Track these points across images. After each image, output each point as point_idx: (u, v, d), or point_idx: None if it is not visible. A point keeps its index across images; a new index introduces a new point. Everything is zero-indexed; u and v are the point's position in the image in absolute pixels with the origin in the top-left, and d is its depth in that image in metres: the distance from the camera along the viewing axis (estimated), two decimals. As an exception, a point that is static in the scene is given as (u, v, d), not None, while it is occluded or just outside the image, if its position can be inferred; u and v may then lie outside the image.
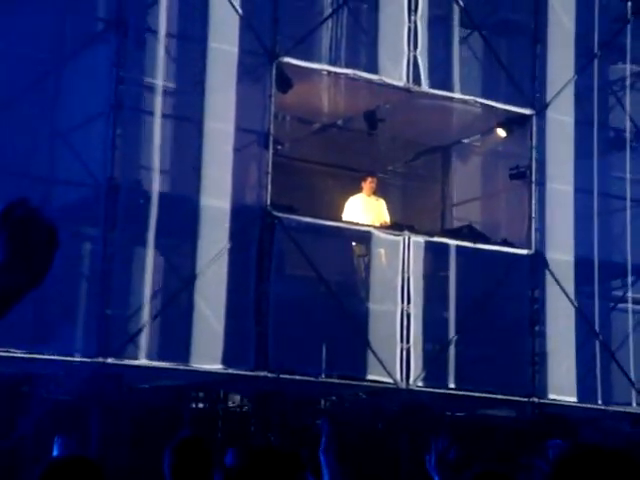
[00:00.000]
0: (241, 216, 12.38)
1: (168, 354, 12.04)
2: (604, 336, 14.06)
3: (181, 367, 11.88)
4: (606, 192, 14.56)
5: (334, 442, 5.52)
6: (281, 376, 12.05)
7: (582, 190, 14.18)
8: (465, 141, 15.18)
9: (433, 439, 5.12)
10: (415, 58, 13.35)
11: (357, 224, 13.64)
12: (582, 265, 14.03)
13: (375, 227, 13.69)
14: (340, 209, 13.97)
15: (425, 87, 13.43)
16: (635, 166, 14.73)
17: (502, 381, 13.28)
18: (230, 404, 13.62)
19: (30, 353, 11.28)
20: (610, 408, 13.77)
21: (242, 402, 13.45)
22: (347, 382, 12.64)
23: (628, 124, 14.71)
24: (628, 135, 14.69)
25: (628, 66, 14.85)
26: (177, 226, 12.40)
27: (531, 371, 13.47)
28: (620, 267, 14.46)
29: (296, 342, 12.32)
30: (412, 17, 13.36)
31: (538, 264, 13.76)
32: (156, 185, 12.55)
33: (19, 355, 11.23)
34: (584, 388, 13.94)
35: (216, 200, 12.48)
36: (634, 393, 14.01)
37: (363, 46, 13.84)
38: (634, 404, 14.01)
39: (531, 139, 14.01)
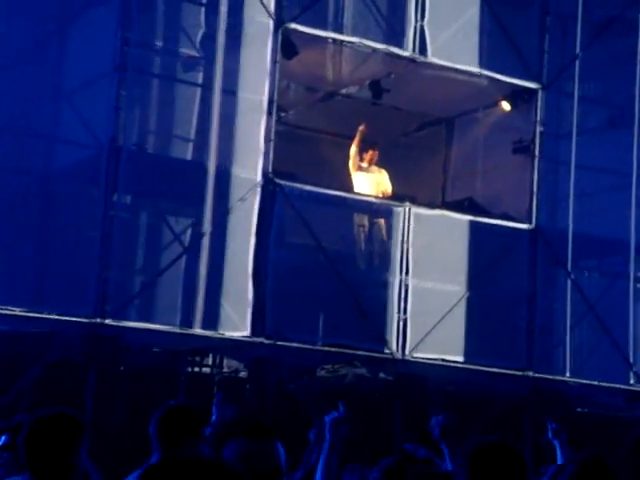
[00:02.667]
0: (242, 182, 12.36)
1: (166, 318, 12.07)
2: (602, 312, 14.07)
3: (177, 331, 11.92)
4: (609, 168, 14.50)
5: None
6: (278, 343, 12.09)
7: (584, 166, 14.15)
8: (469, 114, 15.12)
9: (434, 411, 5.27)
10: (422, 28, 13.28)
11: (358, 194, 13.64)
12: (582, 241, 14.04)
13: (376, 197, 13.69)
14: (342, 178, 13.95)
15: (431, 58, 13.37)
16: None
17: (498, 354, 13.33)
18: (226, 370, 13.67)
19: (28, 312, 11.31)
20: (604, 384, 13.82)
21: (238, 368, 13.50)
22: (343, 351, 12.68)
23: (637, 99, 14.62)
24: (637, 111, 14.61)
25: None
26: (177, 189, 12.39)
27: (527, 345, 13.51)
28: (621, 244, 14.45)
29: (294, 310, 12.35)
30: (420, -13, 13.30)
31: (538, 238, 13.77)
32: (159, 148, 12.55)
33: (17, 313, 11.26)
34: (579, 364, 13.99)
35: (218, 165, 12.46)
36: (631, 371, 14.06)
37: (369, 15, 13.75)
38: (631, 381, 14.07)
39: (536, 113, 13.97)
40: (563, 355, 13.92)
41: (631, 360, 14.09)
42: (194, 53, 12.72)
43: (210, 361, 13.31)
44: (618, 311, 14.24)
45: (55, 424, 3.83)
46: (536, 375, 13.46)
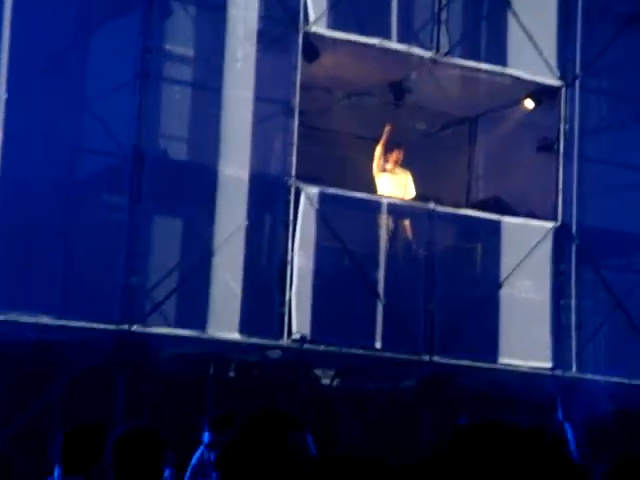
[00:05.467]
0: (266, 186, 12.36)
1: (192, 322, 12.08)
2: (630, 310, 13.97)
3: (204, 336, 11.93)
4: (635, 164, 14.38)
5: None
6: (304, 346, 12.08)
7: (610, 162, 14.06)
8: (492, 112, 15.06)
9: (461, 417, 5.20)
10: (444, 28, 13.23)
11: (382, 195, 13.61)
12: (609, 238, 13.95)
13: (400, 199, 13.65)
14: (365, 180, 13.92)
15: (453, 58, 13.32)
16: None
17: (526, 354, 13.26)
18: (254, 373, 13.65)
19: (57, 320, 11.35)
20: (634, 382, 13.71)
21: (265, 372, 13.47)
22: (370, 354, 12.64)
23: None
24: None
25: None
26: (201, 195, 12.40)
27: (555, 344, 13.43)
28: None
29: (319, 313, 12.33)
30: (441, -13, 13.26)
31: (564, 236, 13.69)
32: (182, 154, 12.57)
33: (46, 322, 11.30)
34: (608, 362, 13.90)
35: (240, 170, 12.46)
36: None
37: (390, 16, 13.73)
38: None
39: (560, 111, 13.89)
40: (592, 353, 13.82)
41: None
42: (211, 58, 12.73)
43: (238, 365, 13.30)
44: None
45: (144, 439, 3.90)
46: (564, 374, 13.37)
